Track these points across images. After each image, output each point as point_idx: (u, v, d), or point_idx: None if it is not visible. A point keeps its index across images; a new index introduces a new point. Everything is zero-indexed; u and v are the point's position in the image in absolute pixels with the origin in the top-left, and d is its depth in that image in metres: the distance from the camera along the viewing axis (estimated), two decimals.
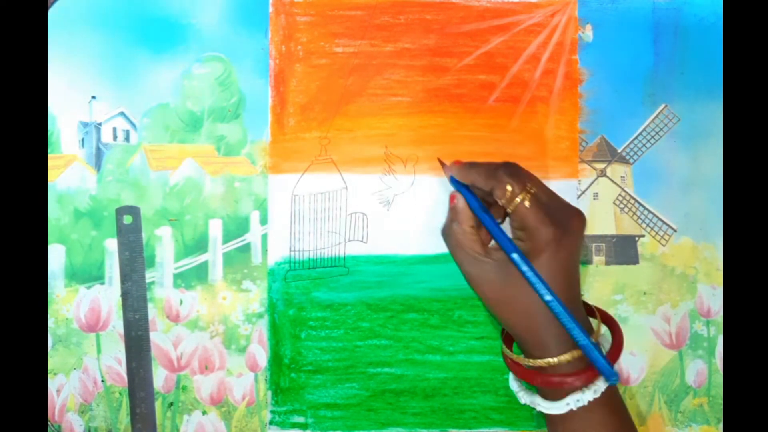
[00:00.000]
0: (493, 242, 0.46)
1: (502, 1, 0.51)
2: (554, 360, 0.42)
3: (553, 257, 0.43)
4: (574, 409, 0.42)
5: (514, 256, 0.43)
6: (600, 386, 0.42)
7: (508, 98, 0.51)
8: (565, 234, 0.43)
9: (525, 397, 0.44)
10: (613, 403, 0.43)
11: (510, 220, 0.45)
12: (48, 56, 0.50)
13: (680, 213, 0.52)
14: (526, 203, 0.43)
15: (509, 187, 0.43)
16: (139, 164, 0.51)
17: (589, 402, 0.42)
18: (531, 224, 0.43)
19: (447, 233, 0.46)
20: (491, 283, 0.44)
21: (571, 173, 0.52)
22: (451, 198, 0.47)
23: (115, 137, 0.51)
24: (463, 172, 0.46)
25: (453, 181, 0.47)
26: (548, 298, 0.42)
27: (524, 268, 0.43)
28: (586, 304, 0.46)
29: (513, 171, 0.44)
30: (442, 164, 0.48)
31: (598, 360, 0.41)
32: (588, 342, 0.41)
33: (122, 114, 0.51)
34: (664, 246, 0.52)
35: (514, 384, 0.45)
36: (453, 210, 0.46)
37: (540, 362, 0.42)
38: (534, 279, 0.42)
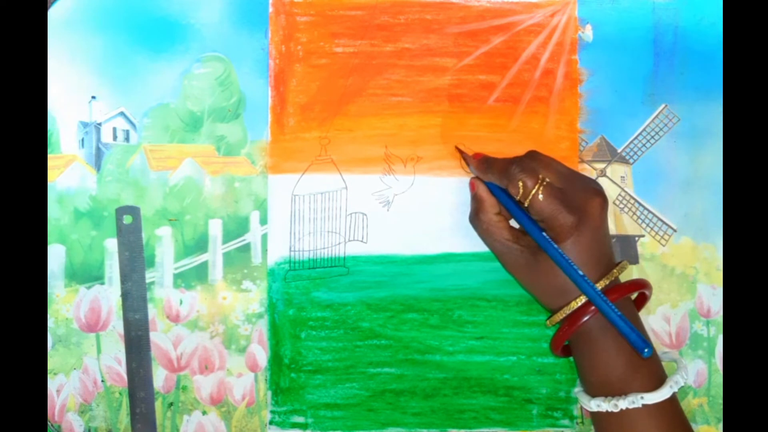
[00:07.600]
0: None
1: (502, 1, 0.51)
2: (575, 302, 0.44)
3: (575, 243, 0.44)
4: (676, 390, 0.43)
5: (541, 238, 0.44)
6: (683, 365, 0.45)
7: (508, 98, 0.51)
8: (583, 219, 0.44)
9: (622, 402, 0.43)
10: (670, 409, 0.44)
11: (530, 212, 0.45)
12: (48, 56, 0.50)
13: (680, 213, 0.52)
14: (540, 195, 0.44)
15: (521, 183, 0.44)
16: (139, 164, 0.51)
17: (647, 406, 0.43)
18: (547, 215, 0.44)
19: (474, 222, 0.48)
20: (522, 267, 0.46)
21: None
22: (471, 185, 0.48)
23: (115, 137, 0.51)
24: (481, 170, 0.48)
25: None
26: (581, 281, 0.43)
27: (552, 251, 0.44)
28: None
29: (525, 165, 0.45)
30: (462, 153, 0.49)
31: (631, 333, 0.42)
32: (619, 317, 0.43)
33: (122, 114, 0.51)
34: (664, 246, 0.52)
35: (596, 402, 0.44)
36: (475, 198, 0.48)
37: (565, 309, 0.44)
38: (563, 262, 0.43)
